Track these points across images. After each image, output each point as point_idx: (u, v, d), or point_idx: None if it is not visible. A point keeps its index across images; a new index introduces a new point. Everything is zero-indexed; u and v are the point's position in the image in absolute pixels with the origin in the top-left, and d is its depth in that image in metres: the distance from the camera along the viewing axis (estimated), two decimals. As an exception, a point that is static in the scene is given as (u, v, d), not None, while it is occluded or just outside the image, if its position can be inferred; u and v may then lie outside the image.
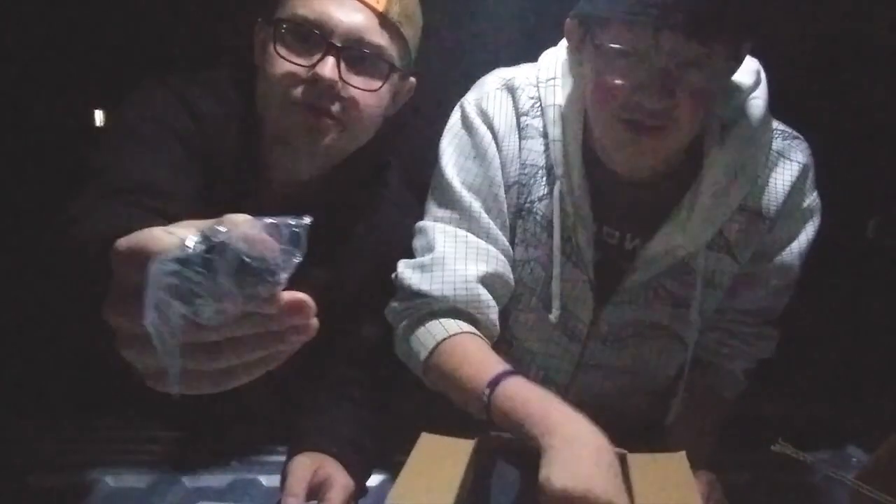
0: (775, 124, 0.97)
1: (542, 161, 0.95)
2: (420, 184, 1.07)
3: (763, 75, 0.94)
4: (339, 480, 0.84)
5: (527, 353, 1.05)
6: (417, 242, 0.98)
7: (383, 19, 0.91)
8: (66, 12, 1.31)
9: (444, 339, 0.91)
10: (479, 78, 1.02)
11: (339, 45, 0.88)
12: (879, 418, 1.09)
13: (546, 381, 1.05)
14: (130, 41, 1.33)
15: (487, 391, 0.82)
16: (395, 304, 0.97)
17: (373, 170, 1.05)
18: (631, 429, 0.93)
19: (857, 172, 1.43)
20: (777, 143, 0.95)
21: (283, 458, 0.90)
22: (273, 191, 0.98)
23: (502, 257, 0.96)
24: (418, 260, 0.96)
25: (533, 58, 1.01)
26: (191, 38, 1.33)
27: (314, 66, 0.88)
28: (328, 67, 0.87)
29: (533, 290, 1.00)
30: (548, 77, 0.96)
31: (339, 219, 1.00)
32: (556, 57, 0.97)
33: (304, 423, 0.94)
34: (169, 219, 0.67)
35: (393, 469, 0.95)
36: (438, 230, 0.96)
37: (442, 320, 0.92)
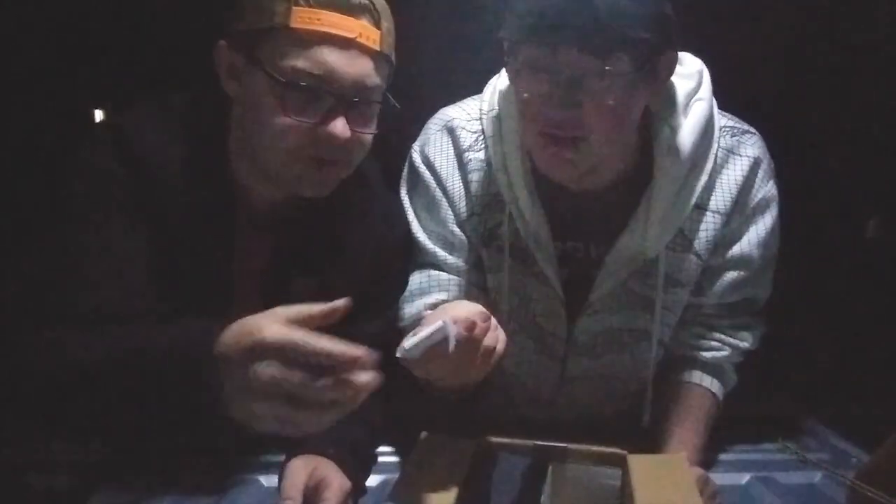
0: (725, 121, 1.00)
1: (490, 190, 1.00)
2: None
3: (706, 76, 0.98)
4: (336, 482, 0.84)
5: (509, 377, 1.07)
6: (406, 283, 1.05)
7: (379, 58, 0.87)
8: (66, 12, 1.31)
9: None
10: (462, 72, 1.06)
11: (347, 99, 0.84)
12: (879, 418, 1.09)
13: (531, 399, 1.08)
14: (130, 41, 1.33)
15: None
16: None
17: (355, 176, 1.01)
18: (614, 432, 0.95)
19: (857, 172, 1.43)
20: (725, 141, 0.98)
21: (282, 458, 0.90)
22: (253, 206, 0.95)
23: (465, 285, 1.02)
24: (400, 298, 1.04)
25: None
26: (190, 37, 1.33)
27: (323, 122, 0.84)
28: (339, 126, 0.84)
29: (507, 314, 1.02)
30: (488, 109, 1.01)
31: (325, 228, 0.99)
32: (494, 89, 1.02)
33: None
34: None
35: (393, 469, 0.95)
36: (412, 273, 1.04)
37: None
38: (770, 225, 1.00)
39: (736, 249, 0.99)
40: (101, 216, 0.86)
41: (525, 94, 0.87)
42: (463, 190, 1.01)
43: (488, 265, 1.03)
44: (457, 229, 1.02)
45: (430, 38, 1.26)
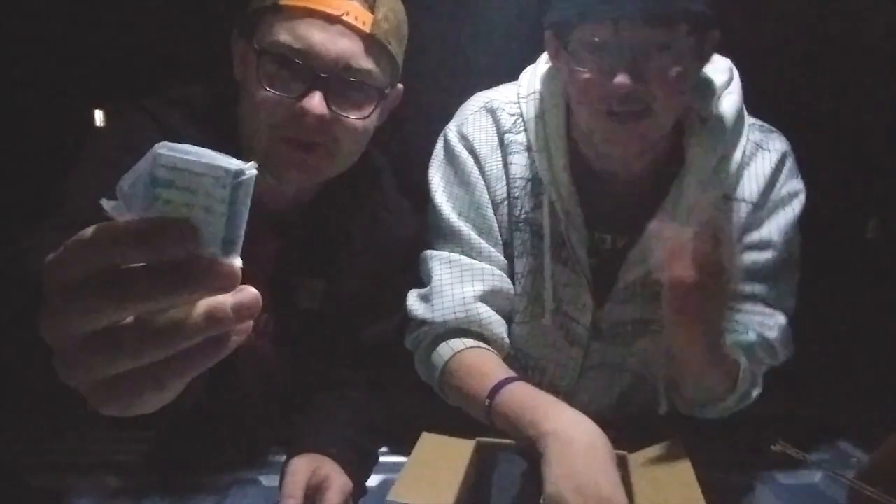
0: (752, 120, 1.01)
1: (529, 174, 0.99)
2: (413, 184, 1.08)
3: (735, 73, 0.99)
4: (337, 481, 0.84)
5: (530, 361, 1.06)
6: (421, 272, 1.03)
7: (370, 41, 0.85)
8: (66, 13, 1.31)
9: (451, 357, 0.96)
10: (473, 74, 1.04)
11: (325, 75, 0.83)
12: (879, 418, 1.09)
13: (551, 387, 1.06)
14: (130, 41, 1.33)
15: (488, 400, 0.86)
16: (408, 335, 1.02)
17: (364, 176, 1.02)
18: (633, 426, 0.95)
19: (857, 172, 1.43)
20: (754, 135, 0.99)
21: (282, 458, 0.90)
22: (261, 207, 0.96)
23: (498, 272, 1.00)
24: (421, 291, 1.01)
25: (525, 55, 1.02)
26: (190, 37, 1.33)
27: (300, 98, 0.83)
28: (315, 101, 0.83)
29: (533, 299, 1.01)
30: (528, 92, 1.00)
31: (333, 228, 0.99)
32: (534, 72, 1.02)
33: (302, 424, 0.94)
34: None
35: (393, 469, 0.95)
36: (434, 258, 1.01)
37: (449, 341, 0.97)
38: (793, 216, 0.99)
39: (756, 235, 0.98)
40: (129, 160, 0.84)
41: (586, 75, 0.85)
42: (502, 171, 1.00)
43: (520, 249, 1.01)
44: (491, 213, 1.00)
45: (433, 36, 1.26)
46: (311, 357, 1.02)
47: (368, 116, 0.88)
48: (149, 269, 0.36)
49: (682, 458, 0.82)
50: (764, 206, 0.98)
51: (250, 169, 0.37)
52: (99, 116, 1.38)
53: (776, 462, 1.02)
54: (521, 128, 1.00)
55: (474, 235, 1.00)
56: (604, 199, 0.98)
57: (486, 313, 0.97)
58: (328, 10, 0.83)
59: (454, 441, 0.84)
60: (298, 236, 0.98)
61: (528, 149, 0.99)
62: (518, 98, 1.01)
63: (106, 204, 0.38)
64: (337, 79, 0.84)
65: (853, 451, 1.07)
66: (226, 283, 0.37)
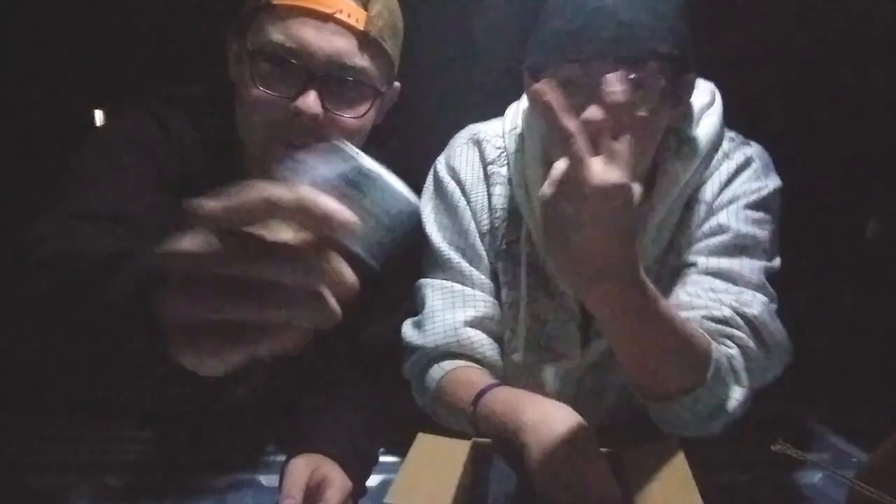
0: (731, 134, 1.02)
1: (510, 206, 1.02)
2: (413, 183, 1.07)
3: (718, 95, 1.00)
4: (337, 481, 0.84)
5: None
6: (415, 301, 1.04)
7: (364, 39, 0.85)
8: (66, 13, 1.31)
9: (442, 377, 0.97)
10: (472, 73, 1.04)
11: (319, 74, 0.83)
12: (879, 418, 1.09)
13: None
14: (130, 41, 1.33)
15: (472, 407, 0.88)
16: (404, 364, 1.03)
17: None
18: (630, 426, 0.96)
19: (857, 172, 1.43)
20: (725, 146, 1.00)
21: (282, 458, 0.90)
22: None
23: (490, 299, 1.02)
24: (415, 318, 1.03)
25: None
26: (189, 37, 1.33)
27: (295, 98, 0.83)
28: (310, 101, 0.82)
29: (513, 330, 1.03)
30: (511, 127, 1.03)
31: None
32: (517, 108, 1.05)
33: (302, 424, 0.94)
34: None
35: (393, 469, 0.95)
36: (427, 285, 1.03)
37: (441, 363, 0.98)
38: (752, 204, 0.97)
39: (708, 225, 0.97)
40: (131, 153, 0.85)
41: None
42: (486, 202, 1.03)
43: (504, 280, 1.03)
44: (478, 241, 1.03)
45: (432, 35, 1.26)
46: (310, 357, 1.02)
47: (364, 115, 0.88)
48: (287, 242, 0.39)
49: (677, 456, 0.82)
50: (719, 202, 0.98)
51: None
52: (99, 116, 1.39)
53: (776, 462, 1.02)
54: (505, 161, 1.03)
55: (464, 263, 1.02)
56: None
57: (477, 337, 0.99)
58: (321, 8, 0.82)
59: (450, 441, 0.84)
60: None
61: (510, 181, 1.02)
62: (503, 132, 1.04)
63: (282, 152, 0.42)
64: (331, 77, 0.84)
65: (853, 451, 1.07)
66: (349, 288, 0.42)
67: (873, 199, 1.49)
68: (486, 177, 1.03)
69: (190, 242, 0.38)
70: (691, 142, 0.96)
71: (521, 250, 1.01)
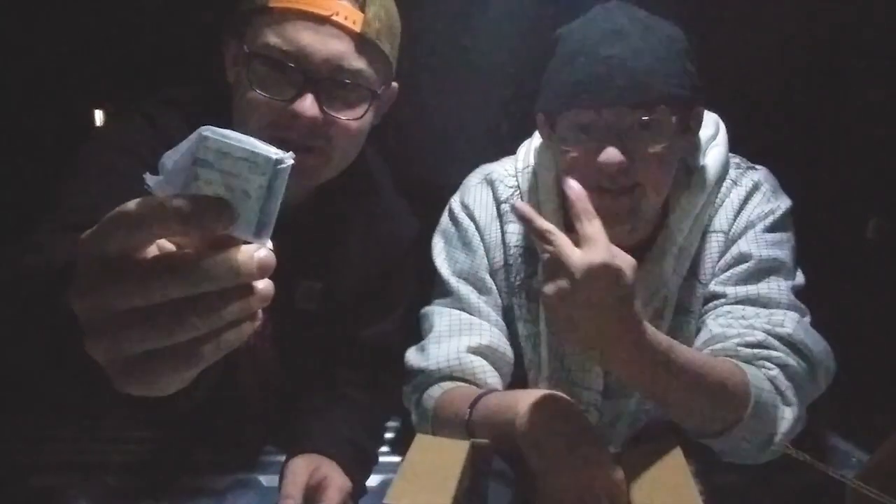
0: (737, 160, 1.04)
1: (525, 242, 1.04)
2: (413, 183, 1.08)
3: (722, 126, 1.03)
4: (336, 481, 0.84)
5: None
6: (421, 328, 1.05)
7: (361, 41, 0.84)
8: (66, 12, 1.31)
9: (441, 395, 0.96)
10: (473, 72, 1.05)
11: (316, 77, 0.83)
12: (879, 418, 1.09)
13: None
14: (129, 43, 1.33)
15: (469, 411, 0.88)
16: (405, 386, 1.02)
17: (361, 177, 1.02)
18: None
19: (857, 172, 1.43)
20: (732, 173, 1.02)
21: (282, 458, 0.90)
22: None
23: (496, 331, 1.02)
24: (420, 343, 1.03)
25: (524, 54, 1.03)
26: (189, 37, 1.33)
27: (292, 101, 0.83)
28: (307, 104, 0.82)
29: (536, 365, 1.03)
30: (523, 167, 1.05)
31: (331, 230, 0.99)
32: (529, 147, 1.07)
33: (302, 425, 0.94)
34: None
35: (393, 469, 0.95)
36: (434, 312, 1.04)
37: (440, 384, 0.98)
38: (768, 227, 0.99)
39: (730, 255, 0.99)
40: (126, 161, 0.84)
41: (574, 153, 0.89)
42: (500, 239, 1.05)
43: (520, 315, 1.04)
44: (488, 277, 1.04)
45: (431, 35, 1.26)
46: (310, 358, 1.02)
47: (362, 117, 0.88)
48: (186, 254, 0.38)
49: (677, 456, 0.82)
50: (735, 231, 0.99)
51: (288, 158, 0.40)
52: (99, 117, 1.39)
53: (776, 462, 1.02)
54: (518, 199, 1.05)
55: (473, 295, 1.03)
56: None
57: (479, 363, 0.99)
58: (317, 11, 0.82)
59: (450, 441, 0.84)
60: (295, 238, 0.97)
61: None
62: (515, 171, 1.06)
63: (149, 179, 0.40)
64: (329, 80, 0.84)
65: (853, 451, 1.07)
66: (261, 270, 0.40)
67: (873, 199, 1.49)
68: (500, 215, 1.05)
69: (88, 284, 0.38)
70: (700, 172, 0.98)
71: (539, 285, 1.01)
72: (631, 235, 0.94)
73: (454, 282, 1.04)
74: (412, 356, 1.02)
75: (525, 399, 0.82)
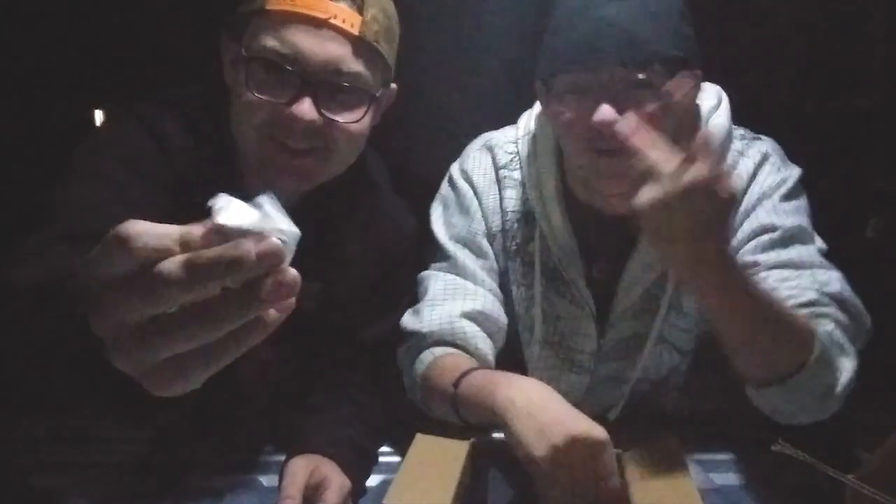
0: (741, 131, 1.04)
1: (523, 208, 1.06)
2: (412, 183, 1.08)
3: (724, 97, 1.03)
4: (336, 481, 0.84)
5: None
6: (417, 291, 1.07)
7: (359, 43, 0.84)
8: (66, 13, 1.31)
9: (431, 362, 0.98)
10: (471, 71, 1.06)
11: (314, 80, 0.83)
12: (880, 418, 1.09)
13: None
14: (129, 43, 1.33)
15: (453, 388, 0.90)
16: (399, 349, 1.04)
17: (360, 179, 1.02)
18: (631, 425, 0.96)
19: (857, 172, 1.43)
20: (736, 145, 1.02)
21: (282, 459, 0.90)
22: None
23: (490, 297, 1.05)
24: (415, 306, 1.05)
25: (522, 54, 1.03)
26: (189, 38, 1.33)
27: (290, 104, 0.82)
28: (305, 107, 0.82)
29: (529, 328, 1.06)
30: (524, 133, 1.07)
31: (329, 230, 0.99)
32: (530, 115, 1.08)
33: (301, 425, 0.94)
34: None
35: (393, 469, 0.95)
36: (430, 277, 1.06)
37: (432, 349, 1.00)
38: (784, 194, 0.98)
39: (753, 222, 0.97)
40: (121, 168, 0.84)
41: (569, 114, 0.90)
42: (498, 205, 1.07)
43: (515, 279, 1.06)
44: (486, 242, 1.06)
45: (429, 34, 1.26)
46: (310, 358, 1.02)
47: (361, 119, 0.88)
48: (186, 259, 0.37)
49: (677, 456, 0.82)
50: (747, 203, 0.99)
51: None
52: (98, 117, 1.39)
53: (776, 462, 1.02)
54: (517, 165, 1.07)
55: (468, 260, 1.05)
56: (595, 229, 1.02)
57: (471, 328, 1.00)
58: (315, 14, 0.82)
59: (449, 442, 0.84)
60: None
61: (523, 184, 1.06)
62: (515, 138, 1.08)
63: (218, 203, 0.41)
64: (327, 83, 0.84)
65: (853, 452, 1.06)
66: (263, 259, 0.38)
67: (873, 199, 1.49)
68: (499, 180, 1.07)
69: (100, 306, 0.39)
70: None
71: (535, 249, 1.04)
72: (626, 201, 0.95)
73: (451, 246, 1.06)
74: (407, 319, 1.04)
75: (503, 387, 0.83)
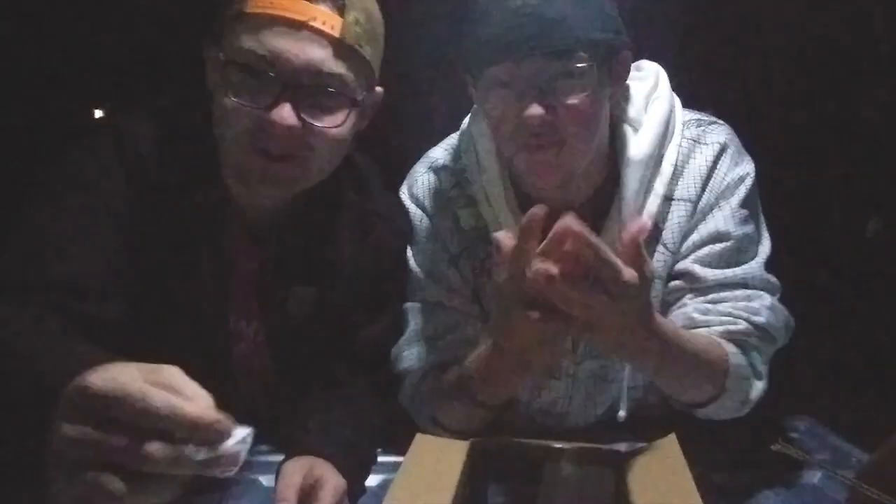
0: (691, 115, 1.02)
1: (478, 223, 1.03)
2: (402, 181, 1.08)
3: (662, 76, 1.01)
4: (331, 481, 0.84)
5: (522, 394, 1.07)
6: (404, 321, 1.05)
7: (340, 46, 0.83)
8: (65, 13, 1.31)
9: (436, 377, 0.98)
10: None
11: (294, 84, 0.81)
12: (879, 418, 1.08)
13: (540, 413, 1.09)
14: (128, 42, 1.33)
15: (464, 368, 0.91)
16: (400, 393, 1.03)
17: (349, 181, 1.01)
18: (631, 425, 0.98)
19: (857, 172, 1.43)
20: (690, 132, 1.00)
21: (281, 459, 0.90)
22: (240, 218, 0.95)
23: (466, 318, 1.03)
24: (399, 342, 1.03)
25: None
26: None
27: (269, 109, 0.81)
28: (285, 112, 0.80)
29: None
30: (465, 148, 1.04)
31: (320, 233, 0.99)
32: (467, 123, 1.06)
33: (298, 427, 0.94)
34: (103, 323, 0.75)
35: (393, 469, 0.95)
36: (409, 308, 1.04)
37: (425, 380, 1.00)
38: (741, 199, 0.98)
39: (706, 229, 0.98)
40: (87, 202, 0.84)
41: (497, 111, 0.88)
42: (452, 226, 1.04)
43: (486, 294, 1.03)
44: (445, 265, 1.04)
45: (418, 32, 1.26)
46: (306, 361, 1.02)
47: (342, 124, 0.86)
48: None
49: (677, 456, 0.82)
50: (707, 200, 0.98)
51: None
52: (98, 117, 1.39)
53: (776, 462, 1.02)
54: (466, 182, 1.03)
55: (438, 289, 1.03)
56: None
57: (462, 352, 0.98)
58: (293, 16, 0.81)
59: (449, 442, 0.84)
60: (282, 245, 0.97)
61: (475, 199, 1.03)
62: (461, 152, 1.05)
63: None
64: (306, 87, 0.82)
65: (853, 451, 1.06)
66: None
67: (873, 199, 1.49)
68: (450, 201, 1.04)
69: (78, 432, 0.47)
70: (644, 129, 0.97)
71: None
72: (570, 187, 0.95)
73: (419, 274, 1.04)
74: (397, 356, 1.03)
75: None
